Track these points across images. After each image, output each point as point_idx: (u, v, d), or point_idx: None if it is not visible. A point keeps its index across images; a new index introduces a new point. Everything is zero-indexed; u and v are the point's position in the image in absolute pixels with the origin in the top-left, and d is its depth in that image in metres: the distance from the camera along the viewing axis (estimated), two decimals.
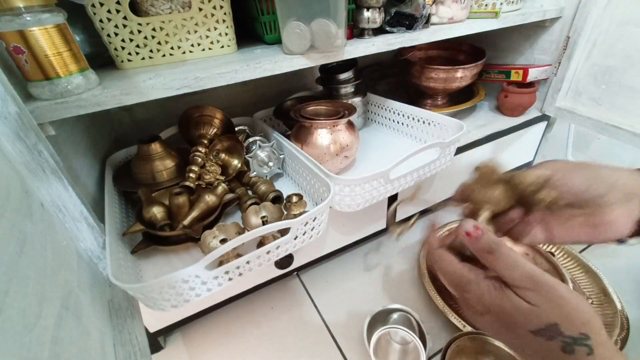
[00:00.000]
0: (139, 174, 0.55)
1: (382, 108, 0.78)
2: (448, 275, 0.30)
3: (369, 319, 0.61)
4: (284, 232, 0.45)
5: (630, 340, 0.55)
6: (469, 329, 0.57)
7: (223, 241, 0.45)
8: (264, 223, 0.48)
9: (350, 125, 0.62)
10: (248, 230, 0.46)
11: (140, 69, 0.50)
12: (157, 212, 0.48)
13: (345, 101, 0.70)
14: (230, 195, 0.54)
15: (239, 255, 0.42)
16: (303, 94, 0.83)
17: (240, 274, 0.43)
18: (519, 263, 0.27)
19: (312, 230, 0.47)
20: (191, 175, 0.53)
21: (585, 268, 0.69)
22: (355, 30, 0.59)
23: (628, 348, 0.54)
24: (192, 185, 0.52)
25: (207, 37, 0.52)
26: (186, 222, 0.47)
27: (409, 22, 0.59)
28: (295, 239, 0.45)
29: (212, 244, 0.44)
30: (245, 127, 0.71)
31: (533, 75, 0.80)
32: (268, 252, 0.44)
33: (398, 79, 0.96)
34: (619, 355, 0.24)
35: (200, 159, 0.56)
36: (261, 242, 0.49)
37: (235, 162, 0.60)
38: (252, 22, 0.62)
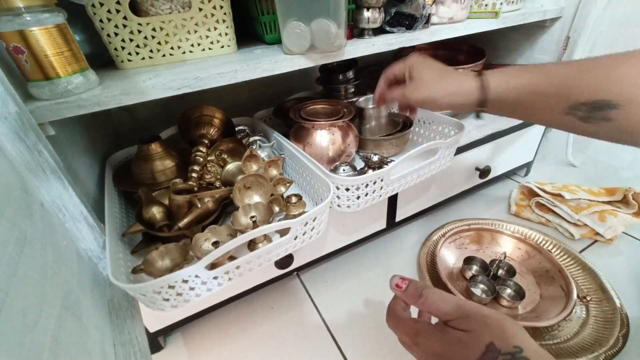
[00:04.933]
0: (139, 174, 0.55)
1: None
2: (399, 329, 0.34)
3: None
4: (283, 232, 0.45)
5: (631, 337, 0.55)
6: None
7: (215, 244, 0.44)
8: (253, 223, 0.47)
9: (349, 125, 0.62)
10: (238, 231, 0.45)
11: (140, 69, 0.50)
12: (157, 212, 0.48)
13: (345, 101, 0.70)
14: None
15: (232, 258, 0.42)
16: (303, 94, 0.83)
17: (240, 274, 0.43)
18: (446, 298, 0.32)
19: (312, 230, 0.47)
20: (193, 175, 0.53)
21: (582, 265, 0.69)
22: (355, 30, 0.59)
23: (629, 344, 0.54)
24: (194, 185, 0.52)
25: (207, 37, 0.52)
26: (182, 224, 0.47)
27: (409, 22, 0.59)
28: (295, 239, 0.45)
29: (204, 247, 0.44)
30: (245, 127, 0.71)
31: None
32: (268, 252, 0.44)
33: None
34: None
35: (201, 159, 0.56)
36: (253, 242, 0.49)
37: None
38: (252, 22, 0.62)
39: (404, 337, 0.34)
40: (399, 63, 0.47)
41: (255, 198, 0.50)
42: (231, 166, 0.57)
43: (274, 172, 0.52)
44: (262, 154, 0.60)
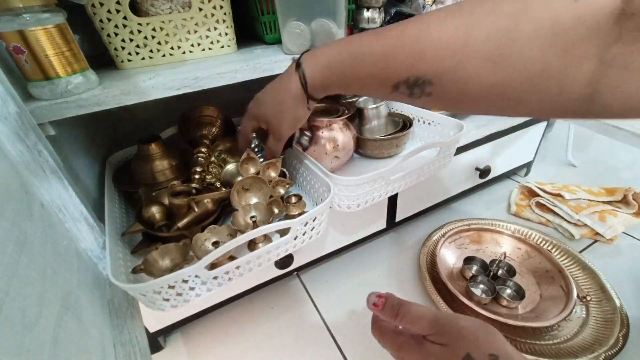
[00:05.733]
0: (139, 174, 0.55)
1: None
2: (384, 341, 0.35)
3: None
4: (283, 232, 0.45)
5: (631, 337, 0.55)
6: None
7: (215, 244, 0.44)
8: (253, 223, 0.47)
9: (347, 124, 0.62)
10: (239, 231, 0.45)
11: (140, 69, 0.50)
12: (157, 212, 0.48)
13: (344, 101, 0.70)
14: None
15: (232, 258, 0.42)
16: None
17: (240, 274, 0.43)
18: (422, 313, 0.33)
19: (312, 230, 0.47)
20: (196, 177, 0.53)
21: (582, 265, 0.69)
22: (355, 30, 0.59)
23: (629, 344, 0.54)
24: (198, 186, 0.52)
25: (207, 37, 0.52)
26: (181, 224, 0.47)
27: None
28: (295, 239, 0.45)
29: (203, 247, 0.44)
30: None
31: None
32: (268, 253, 0.44)
33: None
34: None
35: (203, 160, 0.56)
36: (253, 242, 0.49)
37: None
38: (252, 22, 0.62)
39: (388, 349, 0.35)
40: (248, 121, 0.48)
41: (254, 200, 0.50)
42: (231, 166, 0.57)
43: (272, 174, 0.52)
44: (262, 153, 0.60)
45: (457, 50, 0.25)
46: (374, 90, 0.32)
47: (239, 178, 0.49)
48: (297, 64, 0.37)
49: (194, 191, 0.50)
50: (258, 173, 0.50)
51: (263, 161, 0.50)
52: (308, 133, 0.57)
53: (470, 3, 0.25)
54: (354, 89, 0.35)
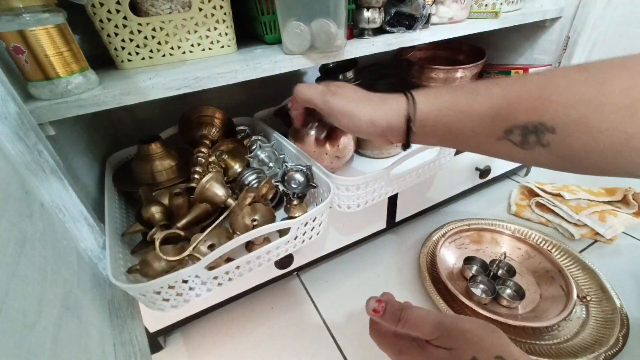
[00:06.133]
0: (139, 174, 0.55)
1: None
2: (383, 345, 0.35)
3: None
4: (283, 232, 0.45)
5: (631, 337, 0.55)
6: None
7: (211, 247, 0.44)
8: (254, 227, 0.47)
9: None
10: (237, 234, 0.45)
11: (140, 69, 0.50)
12: (156, 212, 0.48)
13: None
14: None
15: (229, 260, 0.42)
16: None
17: (240, 275, 0.43)
18: (425, 317, 0.32)
19: (312, 230, 0.47)
20: (196, 176, 0.53)
21: (582, 265, 0.69)
22: (355, 30, 0.59)
23: (629, 345, 0.54)
24: (196, 185, 0.52)
25: (207, 37, 0.52)
26: (180, 224, 0.47)
27: (409, 22, 0.59)
28: (295, 239, 0.45)
29: (200, 249, 0.44)
30: (246, 127, 0.71)
31: None
32: (268, 253, 0.44)
33: (398, 79, 0.96)
34: None
35: (203, 160, 0.56)
36: (252, 242, 0.49)
37: (236, 167, 0.60)
38: (252, 22, 0.62)
39: (388, 353, 0.34)
40: (311, 87, 0.41)
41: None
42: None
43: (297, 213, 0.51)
44: (263, 154, 0.60)
45: (591, 99, 0.23)
46: (479, 137, 0.29)
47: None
48: (404, 92, 0.34)
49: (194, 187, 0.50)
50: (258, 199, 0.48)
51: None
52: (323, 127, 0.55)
53: (596, 64, 0.25)
54: (453, 136, 0.31)
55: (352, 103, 0.37)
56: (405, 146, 0.36)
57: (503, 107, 0.27)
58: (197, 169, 0.54)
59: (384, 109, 0.35)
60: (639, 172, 0.24)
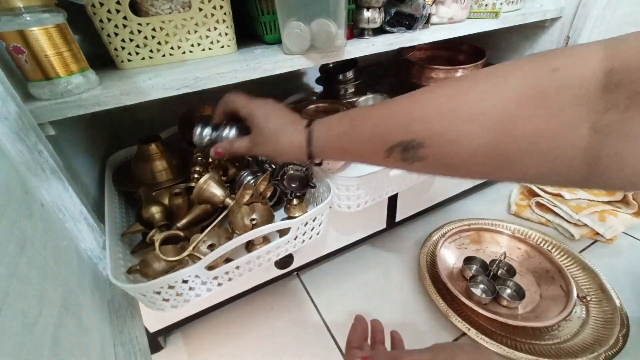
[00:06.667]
0: (139, 174, 0.55)
1: None
2: None
3: None
4: (283, 232, 0.45)
5: (631, 337, 0.55)
6: (472, 330, 0.57)
7: (211, 246, 0.44)
8: (253, 226, 0.47)
9: None
10: (237, 234, 0.45)
11: (140, 69, 0.50)
12: (156, 212, 0.48)
13: (345, 101, 0.70)
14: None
15: (228, 260, 0.42)
16: (303, 95, 0.82)
17: (240, 275, 0.43)
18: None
19: (312, 230, 0.47)
20: (196, 176, 0.53)
21: (582, 265, 0.69)
22: (355, 30, 0.59)
23: (629, 344, 0.54)
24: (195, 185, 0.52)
25: (207, 37, 0.52)
26: (180, 224, 0.47)
27: (409, 22, 0.59)
28: (295, 239, 0.45)
29: (200, 249, 0.44)
30: None
31: None
32: (268, 253, 0.44)
33: (398, 79, 0.96)
34: None
35: (204, 160, 0.56)
36: (252, 243, 0.49)
37: (235, 169, 0.60)
38: (252, 22, 0.62)
39: None
40: (240, 99, 0.41)
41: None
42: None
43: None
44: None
45: (447, 112, 0.25)
46: (369, 156, 0.32)
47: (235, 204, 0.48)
48: (309, 123, 0.37)
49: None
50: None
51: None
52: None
53: (462, 77, 0.27)
54: (350, 156, 0.35)
55: (270, 141, 0.39)
56: (314, 163, 0.39)
57: (380, 130, 0.30)
58: (197, 168, 0.54)
59: (294, 142, 0.37)
60: (509, 177, 0.25)
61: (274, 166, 0.57)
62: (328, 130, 0.35)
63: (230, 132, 0.43)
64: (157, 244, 0.41)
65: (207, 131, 0.42)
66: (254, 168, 0.55)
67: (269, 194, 0.51)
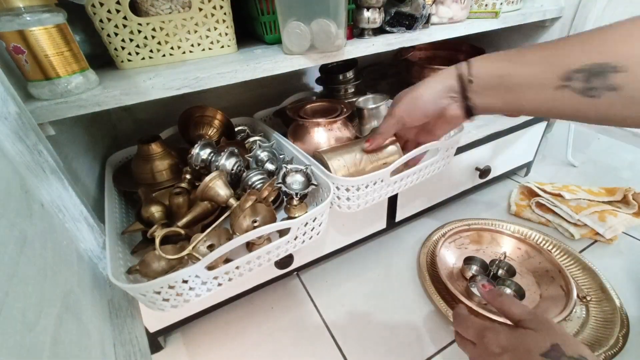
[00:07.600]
0: (139, 174, 0.55)
1: None
2: (470, 327, 0.38)
3: None
4: (283, 232, 0.45)
5: (631, 337, 0.55)
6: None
7: (211, 247, 0.44)
8: (254, 227, 0.47)
9: (346, 124, 0.62)
10: (236, 235, 0.45)
11: (140, 69, 0.50)
12: (156, 211, 0.48)
13: (345, 101, 0.70)
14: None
15: (228, 260, 0.42)
16: (303, 95, 0.82)
17: (240, 275, 0.43)
18: (518, 302, 0.38)
19: (312, 230, 0.47)
20: (187, 176, 0.52)
21: (583, 265, 0.69)
22: (355, 30, 0.59)
23: (629, 344, 0.54)
24: (187, 186, 0.52)
25: (207, 37, 0.52)
26: (180, 223, 0.47)
27: (409, 22, 0.59)
28: (295, 239, 0.45)
29: (199, 249, 0.44)
30: (246, 127, 0.71)
31: None
32: (268, 253, 0.44)
33: (398, 79, 0.96)
34: None
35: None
36: (252, 243, 0.48)
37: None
38: (252, 22, 0.62)
39: (470, 332, 0.37)
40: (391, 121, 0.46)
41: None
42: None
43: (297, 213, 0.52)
44: (262, 154, 0.60)
45: None
46: (534, 89, 0.27)
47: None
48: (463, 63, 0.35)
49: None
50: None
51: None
52: None
53: None
54: (509, 94, 0.30)
55: (411, 91, 0.42)
56: (468, 112, 0.37)
57: (560, 54, 0.25)
58: (189, 169, 0.53)
59: (437, 79, 0.38)
60: None
61: (274, 166, 0.57)
62: (490, 61, 0.31)
63: (227, 161, 0.50)
64: (157, 240, 0.41)
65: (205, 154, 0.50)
66: (259, 168, 0.55)
67: (272, 198, 0.51)
